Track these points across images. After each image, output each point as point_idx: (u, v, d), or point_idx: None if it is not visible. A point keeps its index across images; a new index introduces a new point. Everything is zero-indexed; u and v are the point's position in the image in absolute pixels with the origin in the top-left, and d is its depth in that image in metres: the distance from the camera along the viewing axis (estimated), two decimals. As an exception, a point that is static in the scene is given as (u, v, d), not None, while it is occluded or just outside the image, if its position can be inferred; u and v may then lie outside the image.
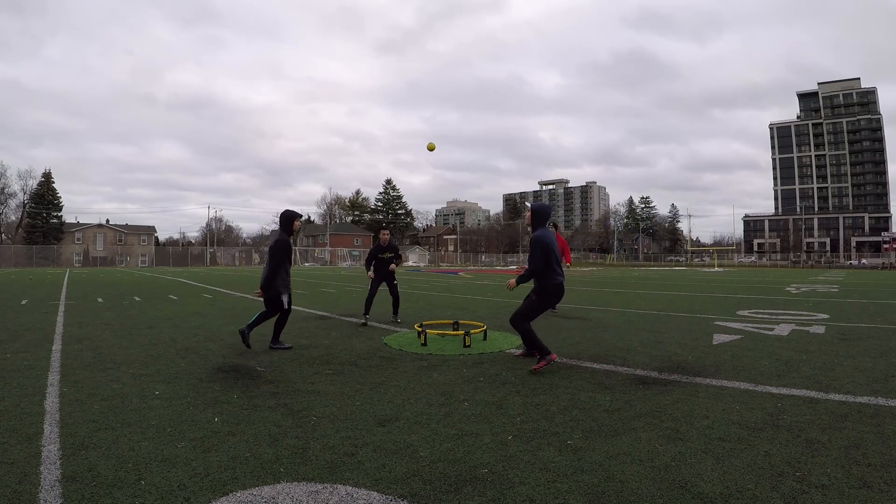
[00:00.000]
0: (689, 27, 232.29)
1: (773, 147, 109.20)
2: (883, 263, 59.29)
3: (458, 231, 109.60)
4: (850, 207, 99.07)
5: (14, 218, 69.72)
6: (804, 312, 9.31)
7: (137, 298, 12.58)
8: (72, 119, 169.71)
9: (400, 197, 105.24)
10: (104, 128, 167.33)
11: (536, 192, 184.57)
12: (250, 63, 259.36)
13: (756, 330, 6.99)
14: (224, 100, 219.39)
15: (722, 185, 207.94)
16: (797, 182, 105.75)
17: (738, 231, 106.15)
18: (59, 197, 66.98)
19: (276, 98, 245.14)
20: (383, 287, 8.22)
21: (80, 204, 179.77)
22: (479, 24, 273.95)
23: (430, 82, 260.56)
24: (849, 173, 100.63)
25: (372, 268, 8.04)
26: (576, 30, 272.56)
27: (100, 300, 12.18)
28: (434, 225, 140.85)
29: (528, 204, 5.01)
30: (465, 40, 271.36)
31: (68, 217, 68.39)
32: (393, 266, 7.97)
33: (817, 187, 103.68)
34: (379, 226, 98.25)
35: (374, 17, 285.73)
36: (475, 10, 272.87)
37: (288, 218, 5.77)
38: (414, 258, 77.56)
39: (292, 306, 5.87)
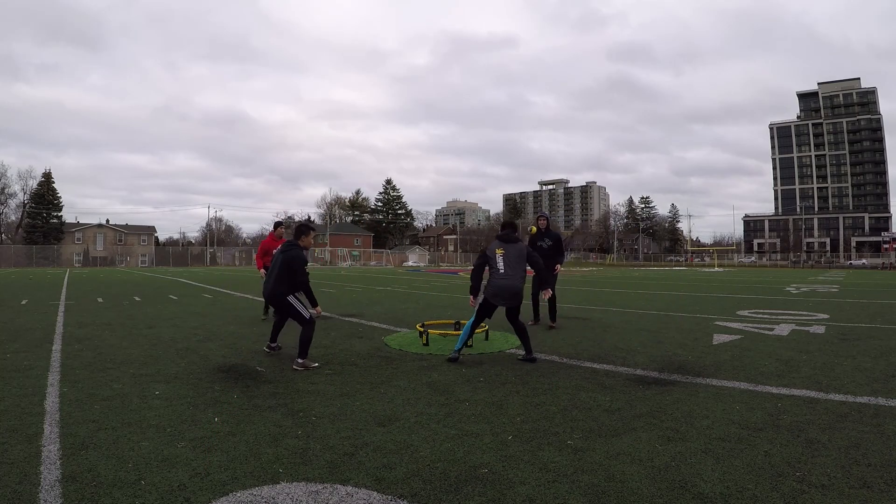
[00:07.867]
0: (667, 59, 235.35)
1: (773, 147, 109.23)
2: (883, 263, 59.30)
3: (458, 231, 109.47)
4: (850, 207, 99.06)
5: (14, 218, 69.74)
6: (804, 312, 9.31)
7: (137, 298, 12.58)
8: (96, 132, 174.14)
9: (400, 197, 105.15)
10: (126, 139, 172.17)
11: (536, 192, 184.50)
12: (273, 90, 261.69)
13: (756, 330, 6.99)
14: (245, 118, 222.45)
15: (714, 188, 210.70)
16: (797, 182, 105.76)
17: (738, 231, 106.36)
18: (60, 197, 66.94)
19: (292, 117, 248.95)
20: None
21: (91, 206, 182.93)
22: (488, 58, 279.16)
23: (437, 104, 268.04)
24: (849, 173, 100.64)
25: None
26: (567, 64, 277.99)
27: (100, 300, 12.18)
28: (434, 225, 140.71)
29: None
30: (475, 71, 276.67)
31: (68, 217, 68.54)
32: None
33: (817, 187, 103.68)
34: (379, 225, 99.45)
35: (391, 57, 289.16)
36: (486, 48, 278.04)
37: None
38: (414, 258, 77.58)
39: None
